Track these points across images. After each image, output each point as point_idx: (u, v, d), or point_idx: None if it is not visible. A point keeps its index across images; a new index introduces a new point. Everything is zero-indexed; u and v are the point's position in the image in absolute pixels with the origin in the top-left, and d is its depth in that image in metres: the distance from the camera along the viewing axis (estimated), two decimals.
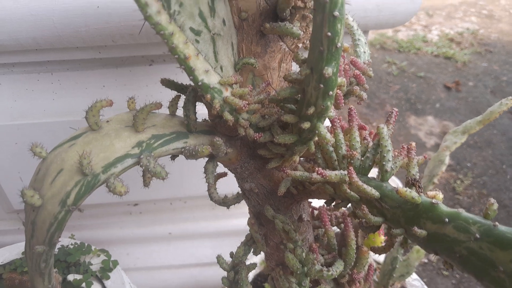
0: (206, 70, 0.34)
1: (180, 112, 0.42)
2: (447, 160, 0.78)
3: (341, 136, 0.40)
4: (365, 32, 0.87)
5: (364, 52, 0.51)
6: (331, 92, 0.32)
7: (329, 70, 0.30)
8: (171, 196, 1.09)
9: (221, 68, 0.38)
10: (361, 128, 0.45)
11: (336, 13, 0.28)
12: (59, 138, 0.95)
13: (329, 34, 0.29)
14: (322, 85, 0.31)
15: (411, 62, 2.89)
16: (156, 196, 1.08)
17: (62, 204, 0.35)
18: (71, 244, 0.92)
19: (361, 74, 0.47)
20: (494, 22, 3.36)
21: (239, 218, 1.14)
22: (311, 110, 0.33)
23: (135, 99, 0.88)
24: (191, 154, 0.38)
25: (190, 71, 0.33)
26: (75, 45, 0.80)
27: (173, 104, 0.41)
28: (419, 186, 0.36)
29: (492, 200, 0.33)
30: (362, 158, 0.40)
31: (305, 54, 0.49)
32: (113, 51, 0.85)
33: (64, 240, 0.94)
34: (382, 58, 2.91)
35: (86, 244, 0.92)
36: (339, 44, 0.30)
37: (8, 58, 0.83)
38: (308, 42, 0.45)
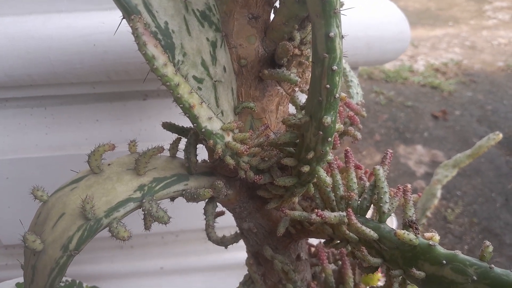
0: (209, 117, 0.35)
1: (179, 154, 0.43)
2: (439, 194, 0.79)
3: (338, 177, 0.41)
4: (355, 68, 0.89)
5: (357, 93, 0.53)
6: (330, 139, 0.33)
7: (328, 119, 0.31)
8: (163, 230, 1.08)
9: (222, 112, 0.39)
10: (356, 167, 0.46)
11: (335, 67, 0.30)
12: (51, 173, 0.95)
13: (328, 86, 0.30)
14: (321, 132, 0.33)
15: (399, 92, 2.96)
16: (147, 231, 1.07)
17: (64, 249, 0.35)
18: (62, 282, 0.90)
19: (355, 115, 0.48)
20: (476, 53, 3.47)
21: (231, 252, 1.13)
22: (311, 155, 0.34)
23: (128, 134, 0.89)
24: (192, 197, 0.38)
25: (194, 119, 0.34)
26: (70, 81, 0.81)
27: (174, 146, 0.42)
28: (416, 228, 0.37)
29: (487, 242, 0.33)
30: (360, 199, 0.40)
31: (300, 96, 0.50)
32: (107, 87, 0.86)
33: None
34: (369, 88, 2.97)
35: (77, 281, 0.90)
36: (337, 95, 0.31)
37: (2, 94, 0.84)
38: (304, 85, 0.46)
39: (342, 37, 0.30)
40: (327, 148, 0.34)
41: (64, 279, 0.90)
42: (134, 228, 1.08)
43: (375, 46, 0.82)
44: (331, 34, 0.29)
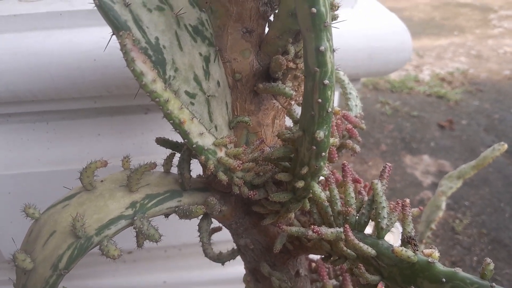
0: (201, 132, 0.34)
1: (174, 169, 0.43)
2: (443, 206, 0.77)
3: (336, 192, 0.40)
4: (357, 80, 0.89)
5: (356, 105, 0.53)
6: (323, 154, 0.32)
7: (320, 134, 0.31)
8: (166, 244, 1.07)
9: (215, 127, 0.39)
10: (355, 181, 0.46)
11: (326, 81, 0.29)
12: (53, 187, 0.94)
13: (320, 100, 0.30)
14: (314, 147, 0.32)
15: (404, 102, 2.94)
16: (150, 244, 1.06)
17: (54, 268, 0.35)
18: None
19: (353, 128, 0.47)
20: (482, 62, 3.45)
21: (234, 266, 1.12)
22: (305, 170, 0.34)
23: (130, 148, 0.88)
24: (185, 214, 0.38)
25: (185, 135, 0.33)
26: (71, 96, 0.81)
27: (168, 162, 0.42)
28: (415, 244, 0.36)
29: (488, 260, 0.32)
30: (358, 214, 0.40)
31: (298, 109, 0.50)
32: (108, 101, 0.86)
33: None
34: (375, 99, 2.96)
35: None
36: (329, 109, 0.30)
37: (4, 109, 0.84)
38: (300, 98, 0.46)
39: (333, 50, 0.29)
40: (321, 163, 0.33)
41: None
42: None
43: (377, 57, 0.81)
44: (322, 48, 0.28)
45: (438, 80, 3.19)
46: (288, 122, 0.52)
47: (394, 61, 0.83)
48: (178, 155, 0.42)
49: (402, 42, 0.81)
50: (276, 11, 0.41)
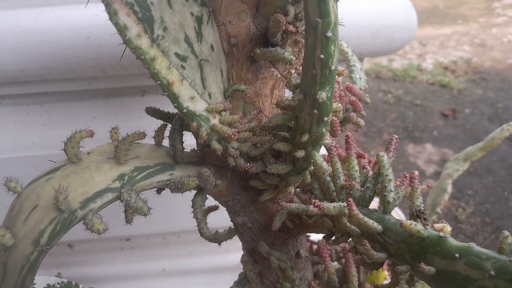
0: (192, 96, 0.31)
1: (166, 142, 0.40)
2: (449, 189, 0.75)
3: (338, 165, 0.37)
4: (360, 59, 0.85)
5: (360, 78, 0.50)
6: (326, 118, 0.30)
7: (323, 95, 0.28)
8: (164, 230, 1.05)
9: (209, 95, 0.36)
10: (359, 156, 0.43)
11: (329, 34, 0.26)
12: None
13: (322, 56, 0.27)
14: (316, 111, 0.29)
15: (407, 91, 2.91)
16: (148, 231, 1.04)
17: (35, 244, 0.32)
18: (58, 284, 0.87)
19: (357, 100, 0.45)
20: (486, 51, 3.41)
21: (235, 253, 1.09)
22: (305, 138, 0.31)
23: (126, 131, 0.86)
24: (176, 187, 0.35)
25: (174, 98, 0.30)
26: (65, 76, 0.79)
27: (159, 134, 0.39)
28: (424, 218, 0.33)
29: (506, 232, 0.30)
30: (362, 189, 0.37)
31: (298, 80, 0.47)
32: (103, 82, 0.83)
33: (50, 279, 0.89)
34: (377, 87, 2.92)
35: (73, 283, 0.87)
36: (333, 67, 0.27)
37: None
38: (301, 68, 0.43)
39: (337, 0, 0.26)
40: (323, 129, 0.30)
41: (59, 280, 0.87)
42: (135, 229, 1.06)
43: (381, 35, 0.78)
44: None
45: (441, 69, 3.15)
46: (288, 94, 0.49)
47: (398, 39, 0.80)
48: (170, 127, 0.40)
49: (407, 20, 0.78)
50: None
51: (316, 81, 0.28)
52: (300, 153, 0.32)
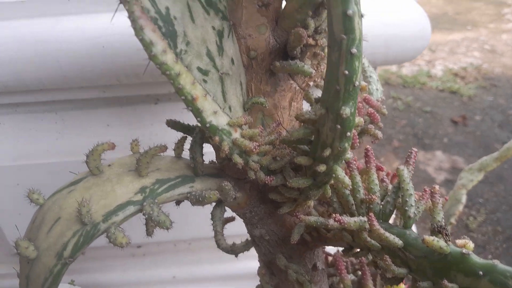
0: (215, 111, 0.32)
1: (186, 154, 0.40)
2: (464, 199, 0.74)
3: (358, 178, 0.37)
4: (373, 68, 0.85)
5: (377, 89, 0.50)
6: (348, 133, 0.30)
7: (346, 110, 0.28)
8: (175, 237, 1.06)
9: (229, 108, 0.36)
10: (378, 169, 0.43)
11: (354, 50, 0.26)
12: (62, 179, 0.93)
13: (347, 72, 0.27)
14: (339, 126, 0.29)
15: (417, 97, 2.89)
16: (160, 238, 1.04)
17: (58, 257, 0.32)
18: None
19: (375, 112, 0.45)
20: (497, 57, 3.38)
21: (246, 261, 1.09)
22: (327, 152, 0.31)
23: (139, 139, 0.86)
24: (198, 200, 0.35)
25: (197, 113, 0.31)
26: (80, 85, 0.80)
27: (179, 146, 0.39)
28: (446, 234, 0.33)
29: None
30: (382, 203, 0.37)
31: (316, 92, 0.47)
32: (118, 90, 0.84)
33: (64, 286, 0.90)
34: (387, 94, 2.91)
35: None
36: (357, 83, 0.27)
37: (12, 98, 0.83)
38: (319, 80, 0.43)
39: (362, 16, 0.26)
40: (346, 144, 0.30)
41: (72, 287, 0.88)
42: (146, 236, 1.06)
43: (394, 44, 0.78)
44: (349, 12, 0.26)
45: (451, 75, 3.13)
46: (306, 105, 0.49)
47: (411, 48, 0.80)
48: (189, 139, 0.40)
49: (421, 29, 0.78)
50: None
51: (339, 96, 0.28)
52: (322, 168, 0.32)
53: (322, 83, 0.42)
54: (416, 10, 0.80)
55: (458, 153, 2.37)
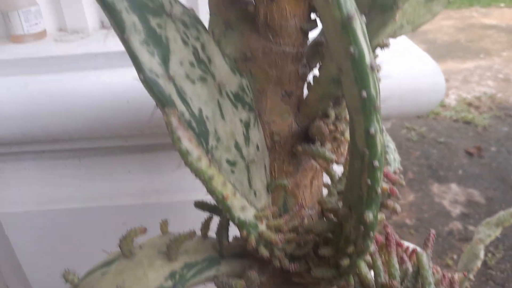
0: (243, 206, 0.34)
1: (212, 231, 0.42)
2: (482, 254, 0.74)
3: (379, 262, 0.38)
4: (387, 120, 0.87)
5: (394, 159, 0.51)
6: (372, 233, 0.31)
7: (370, 216, 0.30)
8: None
9: (254, 193, 0.38)
10: (397, 244, 0.44)
11: (376, 163, 0.28)
12: (84, 224, 0.95)
13: (369, 182, 0.29)
14: (362, 227, 0.31)
15: (430, 128, 2.89)
16: None
17: None
18: None
19: (393, 187, 0.46)
20: (511, 86, 3.37)
21: None
22: (351, 249, 0.33)
23: (159, 186, 0.88)
24: (224, 287, 0.37)
25: (227, 210, 0.33)
26: (104, 135, 0.83)
27: (205, 226, 0.41)
28: None
29: None
30: (402, 287, 0.38)
31: (336, 168, 0.49)
32: (140, 140, 0.87)
33: None
34: (400, 124, 2.92)
35: None
36: (379, 190, 0.29)
37: (39, 147, 0.86)
38: (340, 158, 0.45)
39: (383, 130, 0.28)
40: (369, 242, 0.32)
41: None
42: None
43: (409, 98, 0.80)
44: (371, 130, 0.27)
45: (465, 105, 3.13)
46: (325, 178, 0.51)
47: (426, 102, 0.81)
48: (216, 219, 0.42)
49: (435, 83, 0.80)
50: (317, 74, 0.40)
51: (362, 201, 0.30)
52: (345, 262, 0.33)
53: (341, 160, 0.44)
54: (430, 65, 0.82)
55: (473, 185, 2.35)
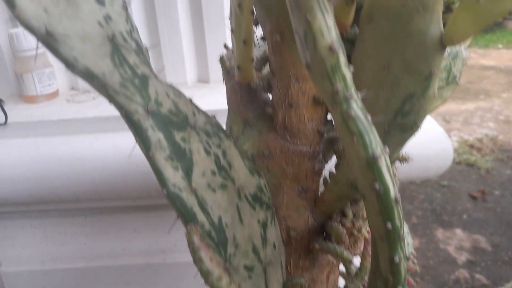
0: None
1: None
2: None
3: None
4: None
5: (408, 243, 0.51)
6: None
7: None
8: None
9: None
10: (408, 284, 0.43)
11: (399, 287, 0.28)
12: (87, 284, 0.93)
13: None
14: None
15: None
16: None
17: None
18: None
19: (410, 278, 0.46)
20: None
21: None
22: None
23: (164, 245, 0.87)
24: None
25: None
26: (112, 197, 0.83)
27: None
28: None
29: None
30: None
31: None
32: (147, 200, 0.87)
33: None
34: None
35: None
36: None
37: (46, 206, 0.86)
38: (356, 250, 0.44)
39: (407, 258, 0.28)
40: None
41: None
42: None
43: (417, 164, 0.80)
44: (396, 259, 0.28)
45: (467, 147, 3.14)
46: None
47: (434, 167, 0.82)
48: None
49: (443, 149, 0.81)
50: (333, 171, 0.41)
51: None
52: None
53: (357, 252, 0.44)
54: (438, 131, 0.83)
55: (479, 231, 2.32)
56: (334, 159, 0.43)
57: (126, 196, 0.83)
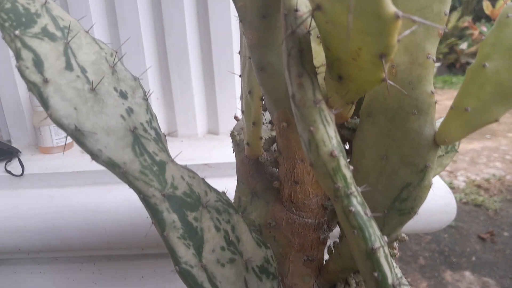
0: None
1: None
2: None
3: None
4: None
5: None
6: None
7: None
8: None
9: None
10: None
11: None
12: None
13: None
14: None
15: None
16: None
17: None
18: None
19: None
20: None
21: None
22: None
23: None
24: None
25: None
26: (121, 246, 0.84)
27: None
28: None
29: None
30: None
31: None
32: (155, 249, 0.88)
33: None
34: None
35: None
36: None
37: (56, 254, 0.88)
38: None
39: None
40: None
41: None
42: None
43: (421, 218, 0.82)
44: None
45: (474, 187, 3.13)
46: None
47: (437, 222, 0.83)
48: None
49: (446, 204, 0.82)
50: (337, 242, 0.43)
51: None
52: None
53: None
54: (442, 186, 0.84)
55: (488, 274, 2.28)
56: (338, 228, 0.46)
57: (135, 245, 0.84)
